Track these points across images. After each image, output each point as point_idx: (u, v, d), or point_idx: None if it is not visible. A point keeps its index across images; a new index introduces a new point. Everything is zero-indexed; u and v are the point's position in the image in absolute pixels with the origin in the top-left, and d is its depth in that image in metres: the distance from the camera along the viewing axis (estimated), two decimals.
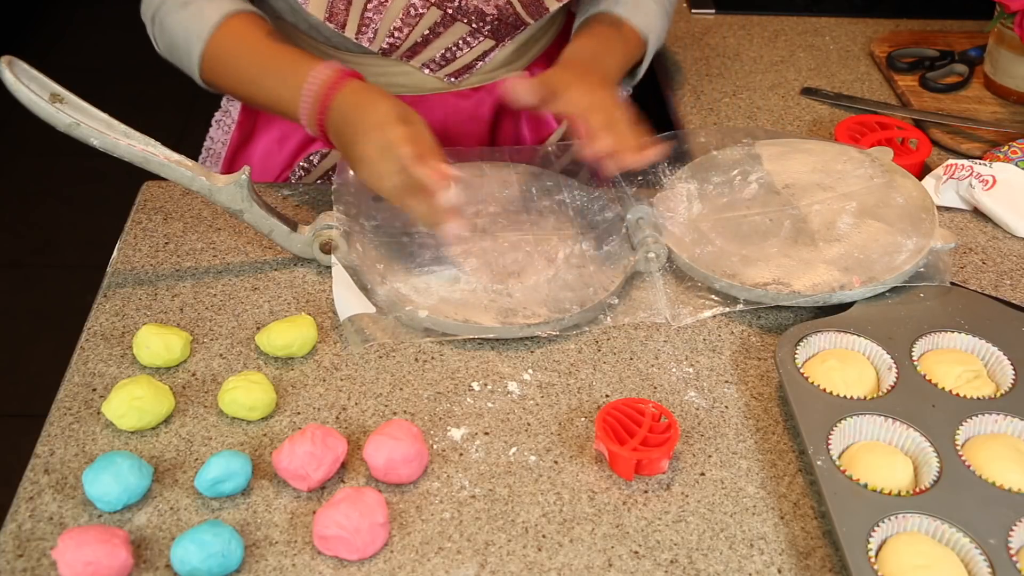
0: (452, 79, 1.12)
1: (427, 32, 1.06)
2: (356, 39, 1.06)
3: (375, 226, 1.00)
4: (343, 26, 1.05)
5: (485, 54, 1.11)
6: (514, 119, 1.19)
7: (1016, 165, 1.09)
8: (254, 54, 1.01)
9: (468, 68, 1.12)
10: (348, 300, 0.93)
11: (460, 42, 1.09)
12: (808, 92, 1.30)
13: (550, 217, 1.03)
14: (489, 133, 1.18)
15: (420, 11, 1.04)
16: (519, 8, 1.07)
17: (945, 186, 1.08)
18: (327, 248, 0.98)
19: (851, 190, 1.04)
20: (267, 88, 0.99)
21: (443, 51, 1.09)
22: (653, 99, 1.38)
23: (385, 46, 1.07)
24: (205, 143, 1.26)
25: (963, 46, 1.37)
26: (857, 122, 1.18)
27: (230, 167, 1.21)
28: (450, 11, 1.05)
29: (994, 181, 1.06)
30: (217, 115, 1.25)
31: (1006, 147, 1.13)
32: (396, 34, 1.06)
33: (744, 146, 1.12)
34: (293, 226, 0.98)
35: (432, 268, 0.96)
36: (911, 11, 1.49)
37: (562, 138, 1.24)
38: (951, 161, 1.09)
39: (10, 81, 0.87)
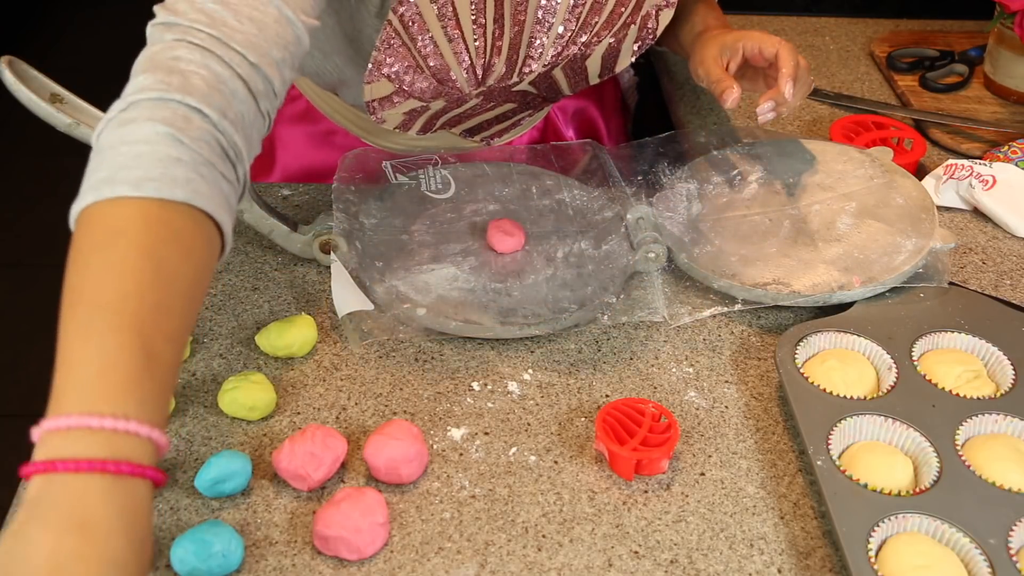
0: (488, 142, 1.15)
1: (475, 113, 1.07)
2: (418, 134, 1.05)
3: (375, 225, 1.01)
4: (408, 130, 1.04)
5: (521, 119, 1.13)
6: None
7: (1016, 165, 1.09)
8: (134, 296, 0.60)
9: (503, 132, 1.14)
10: (346, 297, 0.93)
11: (502, 115, 1.10)
12: None
13: (550, 216, 1.03)
14: None
15: (481, 107, 1.04)
16: (565, 88, 1.07)
17: (945, 186, 1.08)
18: (327, 248, 0.98)
19: (851, 190, 1.04)
20: (89, 337, 0.59)
21: (483, 122, 1.10)
22: (653, 99, 1.38)
23: (436, 130, 1.08)
24: None
25: (963, 46, 1.37)
26: (853, 121, 1.18)
27: None
28: (503, 98, 1.04)
29: (994, 181, 1.06)
30: None
31: (1006, 147, 1.13)
32: (450, 123, 1.06)
33: (744, 146, 1.12)
34: (293, 226, 0.98)
35: (431, 267, 0.96)
36: (911, 11, 1.49)
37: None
38: (951, 161, 1.09)
39: (10, 81, 0.87)
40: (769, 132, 1.19)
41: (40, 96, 0.87)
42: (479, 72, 0.94)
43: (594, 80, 1.06)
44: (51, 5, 3.38)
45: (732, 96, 0.97)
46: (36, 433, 0.57)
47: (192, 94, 0.68)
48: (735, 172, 1.08)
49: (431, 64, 0.92)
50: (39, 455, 0.56)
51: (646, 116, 1.41)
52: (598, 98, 1.28)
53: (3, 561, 0.53)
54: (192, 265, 0.65)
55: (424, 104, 0.97)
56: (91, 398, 0.57)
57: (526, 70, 0.97)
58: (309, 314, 0.93)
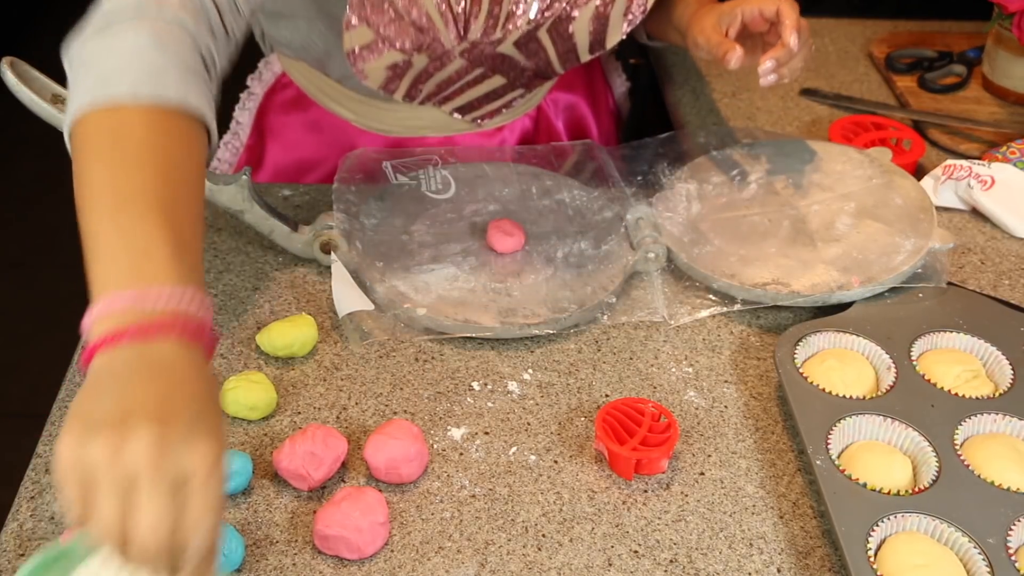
0: (479, 122, 1.14)
1: (464, 84, 1.06)
2: (404, 100, 1.06)
3: (375, 225, 1.01)
4: (393, 92, 1.04)
5: (513, 100, 1.13)
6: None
7: (1014, 165, 1.09)
8: (159, 184, 0.65)
9: (494, 112, 1.14)
10: (347, 297, 0.93)
11: (492, 93, 1.09)
12: (807, 93, 1.30)
13: (549, 216, 1.04)
14: None
15: (466, 71, 1.04)
16: (554, 60, 1.07)
17: (943, 186, 1.08)
18: (327, 248, 0.98)
19: (850, 190, 1.04)
20: (125, 226, 0.63)
21: (474, 99, 1.10)
22: (653, 99, 1.38)
23: (423, 99, 1.07)
24: (212, 165, 1.26)
25: (962, 47, 1.37)
26: (852, 122, 1.18)
27: None
28: (493, 68, 1.04)
29: (992, 181, 1.06)
30: (226, 136, 1.25)
31: (1004, 147, 1.13)
32: (437, 90, 1.06)
33: (743, 146, 1.12)
34: (293, 226, 0.98)
35: (431, 267, 0.96)
36: (910, 12, 1.49)
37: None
38: (949, 161, 1.09)
39: (12, 82, 0.87)
40: (768, 132, 1.19)
41: (41, 97, 0.88)
42: (460, 25, 0.95)
43: (584, 55, 1.06)
44: (52, 6, 3.38)
45: (735, 55, 0.95)
46: (88, 320, 0.60)
47: (166, 8, 0.73)
48: (734, 172, 1.08)
49: (410, 9, 0.93)
50: (117, 323, 0.58)
51: (645, 118, 1.41)
52: (589, 95, 1.27)
53: (93, 408, 0.55)
54: (194, 161, 0.69)
55: (406, 58, 0.97)
56: (134, 277, 0.60)
57: (510, 26, 0.98)
58: (309, 314, 0.93)
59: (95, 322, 0.59)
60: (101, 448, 0.53)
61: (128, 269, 0.61)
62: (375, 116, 1.14)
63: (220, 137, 1.26)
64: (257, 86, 1.21)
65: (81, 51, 0.71)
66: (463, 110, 1.11)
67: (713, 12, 1.01)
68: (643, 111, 1.42)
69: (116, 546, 0.53)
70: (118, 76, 0.67)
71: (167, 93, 0.68)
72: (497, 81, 1.07)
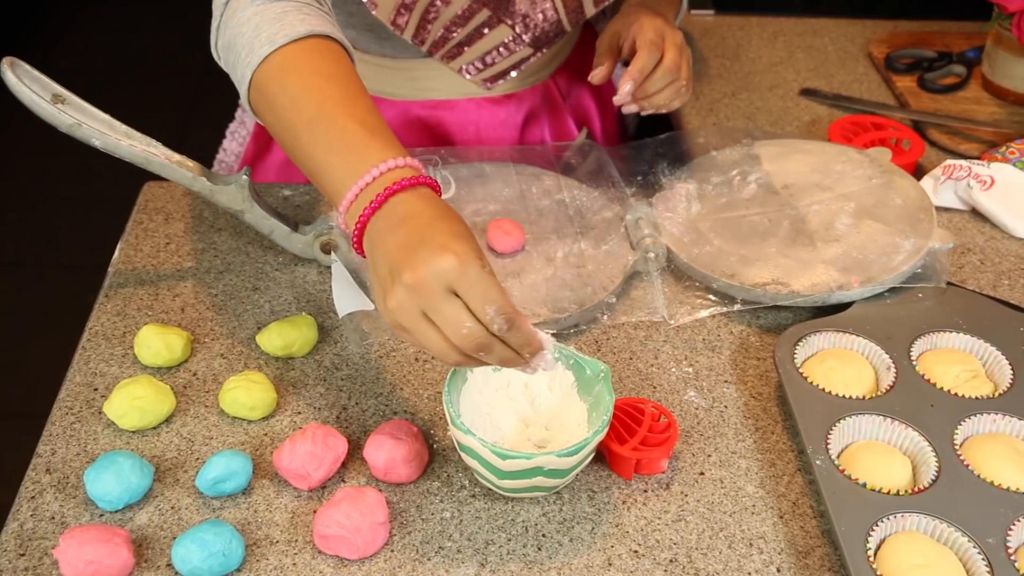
0: (488, 84, 1.14)
1: (472, 32, 1.07)
2: (412, 42, 1.06)
3: None
4: (403, 29, 1.05)
5: (521, 61, 1.13)
6: (539, 127, 1.21)
7: (1014, 166, 1.09)
8: (326, 100, 0.79)
9: (503, 74, 1.14)
10: (347, 297, 0.93)
11: (501, 47, 1.10)
12: (807, 93, 1.30)
13: (550, 216, 1.04)
14: (519, 140, 1.20)
15: (473, 11, 1.05)
16: (562, 15, 1.08)
17: (943, 186, 1.09)
18: (327, 248, 0.98)
19: (850, 190, 1.05)
20: (320, 147, 0.78)
21: (483, 55, 1.10)
22: None
23: (431, 46, 1.08)
24: (218, 155, 1.26)
25: (961, 47, 1.37)
26: (851, 122, 1.19)
27: None
28: (499, 12, 1.05)
29: (992, 181, 1.07)
30: (232, 126, 1.25)
31: (1004, 147, 1.13)
32: (446, 33, 1.07)
33: (743, 146, 1.12)
34: (294, 226, 0.98)
35: None
36: (909, 12, 1.49)
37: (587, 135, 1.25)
38: (949, 162, 1.09)
39: (12, 82, 0.87)
40: (768, 132, 1.19)
41: (42, 97, 0.88)
42: None
43: (589, 9, 1.08)
44: (53, 6, 3.38)
45: (599, 73, 1.06)
46: (340, 221, 0.77)
47: None
48: (734, 172, 1.08)
49: None
50: (355, 219, 0.74)
51: (646, 116, 1.41)
52: (595, 88, 1.27)
53: (377, 273, 0.72)
54: (345, 65, 0.83)
55: None
56: (352, 171, 0.75)
57: None
58: (310, 314, 0.93)
59: (345, 218, 0.76)
60: (392, 304, 0.70)
61: (345, 168, 0.75)
62: (386, 80, 1.14)
63: (226, 127, 1.26)
64: None
65: (226, 31, 0.86)
66: (471, 69, 1.11)
67: (627, 19, 1.05)
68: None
69: (457, 357, 0.70)
70: (256, 40, 0.82)
71: (298, 30, 0.82)
72: (504, 32, 1.08)
